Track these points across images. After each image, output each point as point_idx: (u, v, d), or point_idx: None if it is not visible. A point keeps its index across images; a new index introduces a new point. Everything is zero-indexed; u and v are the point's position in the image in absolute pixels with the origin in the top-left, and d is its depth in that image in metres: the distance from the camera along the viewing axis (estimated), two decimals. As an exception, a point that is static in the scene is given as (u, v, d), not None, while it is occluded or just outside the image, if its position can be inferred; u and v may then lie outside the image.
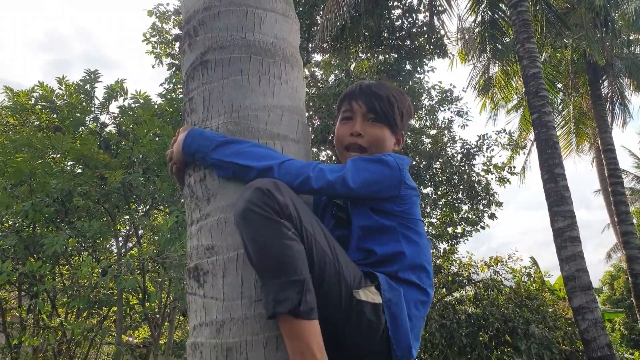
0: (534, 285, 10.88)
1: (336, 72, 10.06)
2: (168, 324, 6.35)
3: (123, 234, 5.82)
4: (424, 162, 9.82)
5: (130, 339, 8.42)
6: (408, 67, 9.73)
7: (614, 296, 25.33)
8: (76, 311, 6.44)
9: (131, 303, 7.35)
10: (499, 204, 11.52)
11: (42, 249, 4.90)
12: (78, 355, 8.06)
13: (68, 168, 5.07)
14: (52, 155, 4.95)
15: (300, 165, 1.06)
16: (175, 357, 7.55)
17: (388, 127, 1.29)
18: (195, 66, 1.15)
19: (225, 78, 1.10)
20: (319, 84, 10.08)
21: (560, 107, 12.67)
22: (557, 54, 11.51)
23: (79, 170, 4.99)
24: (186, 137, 1.10)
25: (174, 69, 8.63)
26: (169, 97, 4.84)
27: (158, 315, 6.07)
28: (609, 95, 11.08)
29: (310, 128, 9.59)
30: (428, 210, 11.88)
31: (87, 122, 4.93)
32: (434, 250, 11.85)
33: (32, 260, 4.75)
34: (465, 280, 10.66)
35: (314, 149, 9.95)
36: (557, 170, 5.91)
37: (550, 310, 9.94)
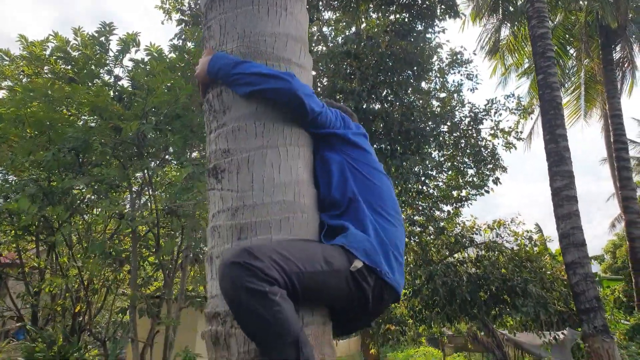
0: (536, 248, 11.13)
1: (345, 32, 10.00)
2: (180, 273, 6.65)
3: (136, 186, 6.04)
4: (431, 124, 9.89)
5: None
6: (419, 27, 9.65)
7: (616, 264, 25.59)
8: (91, 261, 6.74)
9: (144, 255, 7.65)
10: (504, 169, 11.63)
11: (60, 198, 5.13)
12: (95, 302, 8.47)
13: (83, 119, 5.24)
14: (67, 107, 5.11)
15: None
16: (187, 304, 7.89)
17: None
18: (214, -2, 1.31)
19: (239, 8, 1.26)
20: (328, 43, 10.05)
21: (571, 73, 12.57)
22: (572, 17, 11.33)
23: (92, 124, 5.15)
24: (211, 59, 1.25)
25: (182, 24, 8.64)
26: (181, 50, 4.94)
27: (170, 266, 6.35)
28: (620, 60, 10.97)
29: (318, 88, 9.65)
30: (434, 173, 12.04)
31: (102, 74, 5.07)
32: (439, 213, 12.08)
33: (51, 208, 4.98)
34: (467, 242, 10.92)
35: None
36: (558, 131, 6.01)
37: (549, 273, 10.20)
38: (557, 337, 9.74)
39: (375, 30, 8.98)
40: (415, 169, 10.80)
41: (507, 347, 17.86)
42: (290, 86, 1.18)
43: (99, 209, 5.76)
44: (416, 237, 11.38)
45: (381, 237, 1.24)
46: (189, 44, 5.96)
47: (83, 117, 5.26)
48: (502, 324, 11.59)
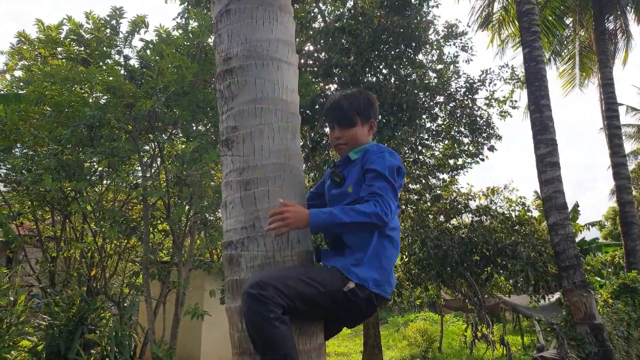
0: (530, 214, 11.54)
1: (340, 9, 10.21)
2: (189, 238, 7.12)
3: (147, 158, 6.45)
4: (425, 96, 10.20)
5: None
6: (414, 1, 9.85)
7: (616, 230, 26.04)
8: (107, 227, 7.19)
9: (155, 223, 8.10)
10: (499, 137, 11.99)
11: (75, 170, 5.54)
12: (109, 267, 8.99)
13: (96, 98, 5.62)
14: (81, 86, 5.49)
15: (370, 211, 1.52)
16: (195, 266, 8.41)
17: (355, 125, 1.77)
18: (222, 13, 1.73)
19: (242, 20, 1.68)
20: (326, 19, 10.28)
21: (567, 42, 12.75)
22: (567, -14, 11.46)
23: (103, 101, 5.53)
24: (310, 218, 1.49)
25: (185, 3, 8.86)
26: (184, 29, 5.28)
27: (179, 232, 6.84)
28: (613, 30, 11.15)
29: (316, 62, 9.93)
30: (432, 144, 12.41)
31: (113, 55, 5.43)
32: (435, 180, 12.51)
33: (67, 183, 5.40)
34: (462, 208, 11.37)
35: (321, 84, 10.34)
36: (542, 101, 6.37)
37: (539, 236, 10.64)
38: (545, 297, 10.31)
39: (370, 5, 9.20)
40: (412, 139, 11.17)
41: (504, 310, 18.62)
42: (376, 220, 1.47)
43: (110, 181, 6.19)
44: (413, 205, 11.84)
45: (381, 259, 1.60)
46: (192, 23, 6.25)
47: (96, 95, 5.63)
48: (495, 285, 12.16)
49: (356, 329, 17.32)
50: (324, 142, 11.94)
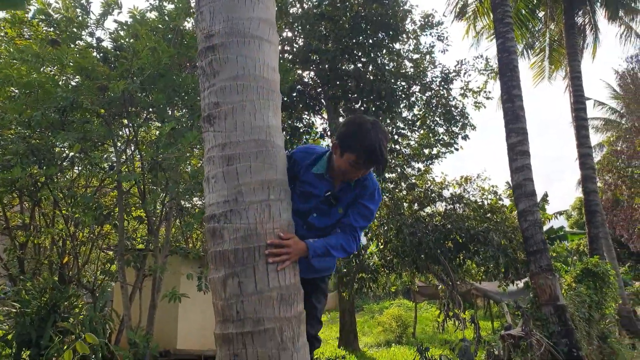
0: (501, 202, 11.86)
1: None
2: (165, 225, 7.05)
3: (121, 143, 6.33)
4: (402, 84, 10.31)
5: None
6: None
7: (582, 220, 26.91)
8: (77, 218, 7.03)
9: (129, 210, 7.97)
10: (473, 127, 12.26)
11: (45, 155, 5.38)
12: (82, 254, 8.81)
13: (67, 80, 5.45)
14: (52, 67, 5.31)
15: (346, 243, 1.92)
16: (171, 254, 8.32)
17: None
18: (203, -10, 1.72)
19: (223, -2, 1.69)
20: (304, 4, 10.24)
21: (539, 35, 13.05)
22: (540, -20, 11.70)
23: (73, 83, 5.37)
24: (310, 249, 1.78)
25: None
26: (160, 11, 5.18)
27: (154, 218, 6.76)
28: (582, 24, 11.47)
29: (294, 48, 9.90)
30: (408, 133, 12.60)
31: (84, 37, 5.27)
32: (411, 170, 12.71)
33: (36, 169, 5.24)
34: (436, 197, 11.60)
35: (299, 71, 10.33)
36: (514, 91, 6.53)
37: (509, 225, 10.96)
38: (514, 282, 10.66)
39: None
40: (390, 128, 11.29)
41: (476, 296, 19.13)
42: (353, 251, 1.91)
43: (83, 166, 6.05)
44: (389, 193, 12.01)
45: None
46: (167, 5, 6.13)
47: (67, 77, 5.47)
48: (467, 272, 12.48)
49: (333, 316, 17.52)
50: (301, 129, 11.97)
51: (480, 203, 11.05)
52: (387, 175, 12.07)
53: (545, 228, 16.91)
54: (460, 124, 11.95)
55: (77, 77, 5.29)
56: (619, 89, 22.29)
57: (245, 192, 1.56)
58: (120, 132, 6.28)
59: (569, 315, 6.41)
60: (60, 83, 5.10)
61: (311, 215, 1.94)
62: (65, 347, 5.09)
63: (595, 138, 27.49)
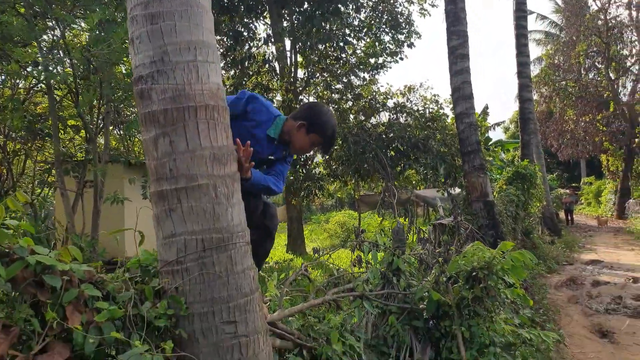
0: (442, 111, 12.22)
1: None
2: (104, 132, 6.81)
3: (47, 47, 5.86)
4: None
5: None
6: None
7: (517, 132, 28.30)
8: (5, 122, 6.63)
9: (63, 115, 7.58)
10: (419, 35, 12.24)
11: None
12: (16, 165, 8.44)
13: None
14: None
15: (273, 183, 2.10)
16: (112, 162, 8.15)
17: None
18: None
19: None
20: None
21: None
22: None
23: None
24: (254, 175, 1.95)
25: None
26: None
27: (92, 126, 6.51)
28: None
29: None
30: (354, 42, 12.41)
31: None
32: (357, 80, 12.71)
33: None
34: (380, 106, 11.79)
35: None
36: (457, -8, 6.50)
37: (448, 132, 11.41)
38: (452, 187, 11.35)
39: None
40: (336, 32, 11.04)
41: (416, 204, 20.25)
42: (278, 192, 2.11)
43: (3, 67, 5.61)
44: (335, 104, 12.06)
45: None
46: None
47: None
48: (407, 179, 13.10)
49: (281, 226, 18.14)
50: (244, 35, 11.46)
51: (422, 112, 11.37)
52: (333, 85, 12.03)
53: (482, 138, 17.69)
54: (406, 31, 11.87)
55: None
56: (560, 1, 22.61)
57: (172, 52, 1.54)
58: (46, 37, 5.82)
59: (497, 211, 7.01)
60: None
61: None
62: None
63: (536, 51, 28.32)
